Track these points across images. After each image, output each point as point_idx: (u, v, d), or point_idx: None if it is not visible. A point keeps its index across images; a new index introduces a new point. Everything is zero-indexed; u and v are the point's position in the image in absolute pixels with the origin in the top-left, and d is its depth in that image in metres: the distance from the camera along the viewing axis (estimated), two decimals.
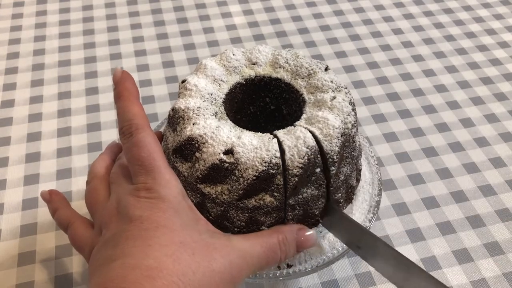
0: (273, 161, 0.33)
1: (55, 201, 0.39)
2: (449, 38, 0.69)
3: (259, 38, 0.68)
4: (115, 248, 0.30)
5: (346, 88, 0.38)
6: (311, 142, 0.33)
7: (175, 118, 0.36)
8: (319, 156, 0.34)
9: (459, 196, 0.50)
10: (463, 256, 0.45)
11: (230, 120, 0.37)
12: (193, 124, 0.35)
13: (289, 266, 0.38)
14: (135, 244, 0.29)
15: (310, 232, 0.36)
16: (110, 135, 0.55)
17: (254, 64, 0.41)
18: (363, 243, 0.35)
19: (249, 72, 0.40)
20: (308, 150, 0.33)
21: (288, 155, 0.33)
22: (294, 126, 0.35)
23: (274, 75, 0.40)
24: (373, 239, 0.34)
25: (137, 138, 0.33)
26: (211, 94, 0.37)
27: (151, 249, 0.29)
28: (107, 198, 0.35)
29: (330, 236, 0.39)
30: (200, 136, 0.34)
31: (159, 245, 0.29)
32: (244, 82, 0.40)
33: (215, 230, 0.34)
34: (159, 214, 0.31)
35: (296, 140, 0.33)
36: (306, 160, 0.33)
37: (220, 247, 0.31)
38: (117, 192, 0.34)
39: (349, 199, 0.39)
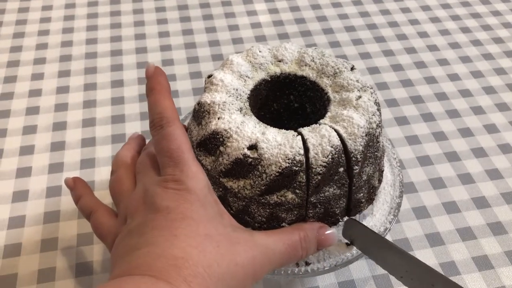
0: (297, 158, 0.33)
1: (79, 188, 0.39)
2: (476, 43, 0.68)
3: (283, 37, 0.68)
4: (140, 237, 0.30)
5: (371, 88, 0.38)
6: (336, 141, 0.33)
7: (201, 112, 0.37)
8: (343, 155, 0.34)
9: (480, 202, 0.49)
10: (483, 263, 0.44)
11: (254, 116, 0.37)
12: (218, 119, 0.35)
13: (307, 264, 0.38)
14: (161, 233, 0.30)
15: (330, 231, 0.36)
16: (134, 127, 0.55)
17: (280, 61, 0.41)
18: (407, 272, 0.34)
19: (275, 69, 0.40)
20: (332, 149, 0.33)
21: (312, 153, 0.33)
22: (319, 124, 0.35)
23: (300, 73, 0.40)
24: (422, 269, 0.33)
25: (167, 131, 0.34)
26: (237, 90, 0.38)
27: (177, 239, 0.29)
28: (133, 187, 0.35)
29: None
30: (225, 130, 0.34)
31: (185, 236, 0.29)
32: (269, 79, 0.40)
33: (238, 225, 0.34)
34: (185, 206, 0.31)
35: (321, 138, 0.34)
36: (330, 159, 0.33)
37: (243, 241, 0.32)
38: (143, 182, 0.34)
39: (370, 199, 0.39)
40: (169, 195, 0.32)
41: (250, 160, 0.33)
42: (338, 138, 0.34)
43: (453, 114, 0.58)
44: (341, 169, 0.34)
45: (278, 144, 0.33)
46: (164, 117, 0.34)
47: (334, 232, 0.36)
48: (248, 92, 0.38)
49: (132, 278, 0.27)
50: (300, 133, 0.34)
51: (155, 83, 0.36)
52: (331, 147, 0.33)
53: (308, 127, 0.35)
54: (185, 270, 0.28)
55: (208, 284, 0.28)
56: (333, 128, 0.35)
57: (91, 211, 0.37)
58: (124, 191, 0.36)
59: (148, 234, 0.30)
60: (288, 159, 0.33)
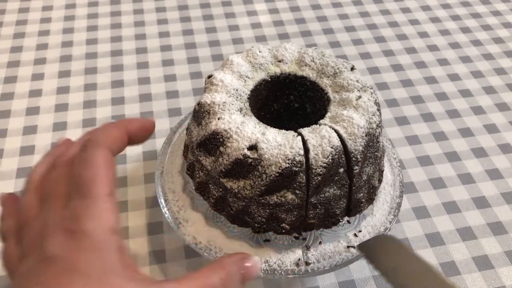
0: (297, 158, 0.33)
1: (6, 208, 0.34)
2: (476, 43, 0.68)
3: (284, 37, 0.68)
4: None
5: (371, 88, 0.38)
6: (336, 142, 0.33)
7: (201, 112, 0.37)
8: (343, 156, 0.34)
9: (481, 202, 0.49)
10: (483, 263, 0.44)
11: (254, 116, 0.37)
12: (218, 119, 0.35)
13: (307, 264, 0.38)
14: None
15: (252, 261, 0.32)
16: None
17: (280, 61, 0.41)
18: None
19: (275, 69, 0.41)
20: (332, 150, 0.33)
21: (312, 154, 0.33)
22: (319, 125, 0.35)
23: (300, 73, 0.40)
24: None
25: (87, 154, 0.29)
26: (237, 90, 0.38)
27: None
28: (39, 215, 0.31)
29: (349, 235, 0.39)
30: (225, 130, 0.34)
31: None
32: (269, 79, 0.40)
33: (146, 277, 0.28)
34: (77, 255, 0.26)
35: (321, 139, 0.34)
36: (330, 160, 0.33)
37: None
38: (44, 215, 0.29)
39: (370, 199, 0.39)
40: (61, 239, 0.27)
41: (250, 160, 0.33)
42: (338, 139, 0.34)
43: (453, 114, 0.58)
44: (341, 170, 0.34)
45: (278, 144, 0.34)
46: (93, 140, 0.30)
47: (258, 261, 0.33)
48: (248, 92, 0.38)
49: None
50: (300, 134, 0.34)
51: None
52: (331, 147, 0.33)
53: (308, 128, 0.35)
54: None
55: None
56: (333, 128, 0.35)
57: (6, 237, 0.32)
58: (29, 218, 0.31)
59: None
60: (288, 160, 0.33)
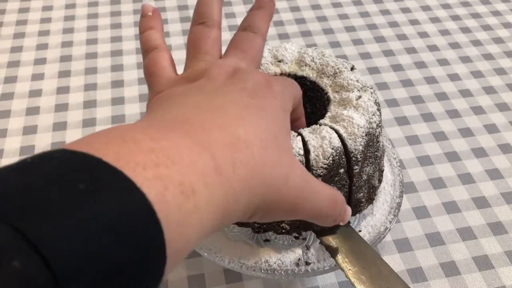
0: (297, 158, 0.33)
1: (155, 19, 0.34)
2: (476, 43, 0.68)
3: (284, 37, 0.68)
4: (213, 99, 0.26)
5: (371, 88, 0.38)
6: (337, 142, 0.33)
7: None
8: (343, 157, 0.34)
9: (481, 202, 0.49)
10: (483, 263, 0.44)
11: None
12: None
13: (307, 263, 0.38)
14: (241, 110, 0.25)
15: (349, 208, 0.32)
16: None
17: (280, 61, 0.41)
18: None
19: (275, 70, 0.41)
20: (333, 151, 0.33)
21: (313, 155, 0.33)
22: (319, 125, 0.35)
23: (300, 73, 0.40)
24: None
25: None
26: None
27: (255, 123, 0.25)
28: (174, 69, 0.32)
29: None
30: None
31: (265, 125, 0.25)
32: None
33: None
34: (274, 103, 0.27)
35: (322, 140, 0.33)
36: (331, 161, 0.33)
37: (295, 166, 0.27)
38: (230, 58, 0.31)
39: (370, 199, 0.39)
40: (263, 85, 0.28)
41: None
42: (339, 140, 0.34)
43: (453, 114, 0.58)
44: (342, 170, 0.34)
45: None
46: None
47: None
48: None
49: (176, 133, 0.22)
50: (300, 134, 0.34)
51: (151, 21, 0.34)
52: (332, 148, 0.33)
53: (309, 128, 0.35)
54: (239, 155, 0.23)
55: (251, 181, 0.23)
56: (333, 128, 0.35)
57: (155, 48, 0.32)
58: (172, 67, 0.31)
59: (225, 104, 0.25)
60: None
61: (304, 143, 0.34)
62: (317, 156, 0.33)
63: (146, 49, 0.32)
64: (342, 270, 0.34)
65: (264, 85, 0.28)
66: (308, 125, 0.36)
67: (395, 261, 0.44)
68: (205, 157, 0.21)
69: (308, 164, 0.33)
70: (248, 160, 0.23)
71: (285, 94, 0.29)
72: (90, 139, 0.19)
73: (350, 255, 0.34)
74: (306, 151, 0.33)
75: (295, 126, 0.34)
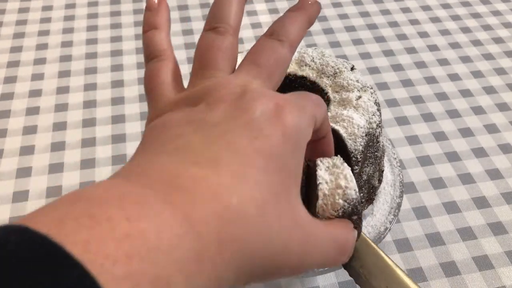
0: None
1: (161, 14, 0.30)
2: (476, 43, 0.68)
3: None
4: (204, 140, 0.22)
5: (371, 88, 0.38)
6: (353, 194, 0.32)
7: None
8: (357, 208, 0.33)
9: (481, 202, 0.49)
10: (483, 263, 0.44)
11: None
12: None
13: None
14: (231, 148, 0.21)
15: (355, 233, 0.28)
16: (134, 127, 0.55)
17: None
18: None
19: None
20: (345, 203, 0.32)
21: (320, 202, 0.32)
22: (341, 164, 0.35)
23: (300, 73, 0.40)
24: None
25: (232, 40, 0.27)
26: None
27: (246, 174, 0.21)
28: (180, 84, 0.27)
29: None
30: None
31: (254, 169, 0.21)
32: None
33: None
34: (277, 137, 0.22)
35: (336, 188, 0.33)
36: (340, 214, 0.32)
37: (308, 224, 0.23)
38: (240, 75, 0.25)
39: (370, 199, 0.39)
40: (272, 116, 0.22)
41: None
42: (356, 190, 0.32)
43: (453, 114, 0.58)
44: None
45: None
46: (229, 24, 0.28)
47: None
48: None
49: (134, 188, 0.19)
50: (313, 167, 0.34)
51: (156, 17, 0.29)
52: (345, 201, 0.31)
53: (328, 162, 0.34)
54: (230, 229, 0.19)
55: (242, 260, 0.20)
56: (333, 128, 0.35)
57: (158, 55, 0.28)
58: (174, 82, 0.27)
59: (221, 153, 0.21)
60: None
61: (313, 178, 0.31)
62: (325, 204, 0.27)
63: (148, 56, 0.28)
64: None
65: (274, 116, 0.22)
66: None
67: (395, 261, 0.44)
68: (189, 239, 0.18)
69: (310, 205, 0.28)
70: (239, 235, 0.19)
71: (301, 123, 0.23)
72: (62, 214, 0.17)
73: (372, 278, 0.30)
74: (313, 190, 0.28)
75: (319, 146, 0.28)
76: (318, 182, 0.27)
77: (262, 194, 0.21)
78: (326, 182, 0.27)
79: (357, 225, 0.27)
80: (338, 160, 0.28)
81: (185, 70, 0.63)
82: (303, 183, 0.27)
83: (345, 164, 0.28)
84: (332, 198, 0.27)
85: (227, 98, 0.23)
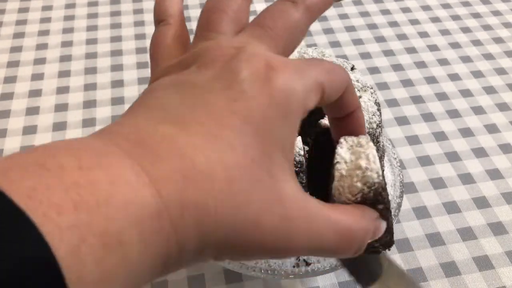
0: (296, 159, 0.33)
1: None
2: (476, 42, 0.68)
3: None
4: (183, 101, 0.20)
5: (371, 88, 0.38)
6: (375, 177, 0.32)
7: None
8: (380, 193, 0.33)
9: (481, 202, 0.49)
10: (483, 263, 0.44)
11: None
12: None
13: (307, 264, 0.38)
14: (210, 118, 0.20)
15: (383, 223, 0.25)
16: None
17: None
18: None
19: None
20: (365, 188, 0.32)
21: (336, 184, 0.32)
22: (367, 142, 0.35)
23: None
24: None
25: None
26: None
27: (211, 138, 0.19)
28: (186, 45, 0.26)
29: None
30: None
31: (225, 135, 0.19)
32: None
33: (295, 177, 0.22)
34: (264, 105, 0.20)
35: (355, 169, 0.33)
36: (358, 198, 0.33)
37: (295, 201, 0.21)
38: (241, 36, 0.24)
39: None
40: (260, 77, 0.21)
41: None
42: (380, 173, 0.33)
43: (453, 114, 0.58)
44: None
45: None
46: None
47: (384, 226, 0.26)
48: None
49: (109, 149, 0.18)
50: (299, 134, 0.34)
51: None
52: (364, 184, 0.31)
53: (351, 141, 0.33)
54: (192, 191, 0.18)
55: (204, 226, 0.18)
56: None
57: (164, 19, 0.26)
58: (177, 46, 0.25)
59: (195, 113, 0.20)
60: None
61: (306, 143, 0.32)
62: (341, 187, 0.24)
63: (155, 20, 0.27)
64: None
65: (262, 78, 0.20)
66: (309, 125, 0.36)
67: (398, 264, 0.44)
68: (147, 195, 0.17)
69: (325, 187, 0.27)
70: (203, 199, 0.18)
71: (296, 87, 0.21)
72: (11, 163, 0.16)
73: None
74: (331, 173, 0.26)
75: (345, 124, 0.26)
76: (335, 161, 0.25)
77: (234, 158, 0.19)
78: (346, 162, 0.24)
79: (384, 216, 0.24)
80: (364, 139, 0.25)
81: None
82: (328, 165, 0.25)
83: (371, 144, 0.25)
84: (349, 180, 0.24)
85: (219, 60, 0.22)
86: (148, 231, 0.17)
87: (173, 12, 0.26)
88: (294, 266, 0.38)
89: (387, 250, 0.28)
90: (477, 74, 0.64)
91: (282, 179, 0.20)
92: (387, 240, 0.27)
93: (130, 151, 0.18)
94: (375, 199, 0.24)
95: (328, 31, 0.69)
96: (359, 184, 0.24)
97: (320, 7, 0.25)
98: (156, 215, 0.17)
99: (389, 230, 0.26)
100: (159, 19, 0.26)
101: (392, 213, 0.40)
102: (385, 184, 0.24)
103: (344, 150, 0.25)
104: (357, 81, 0.38)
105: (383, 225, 0.25)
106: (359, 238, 0.23)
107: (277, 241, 0.20)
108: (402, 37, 0.69)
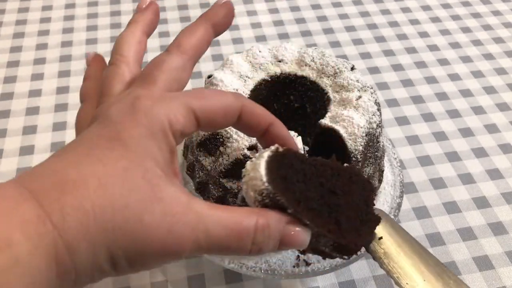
0: None
1: (92, 68, 0.32)
2: (476, 42, 0.68)
3: (284, 36, 0.68)
4: (76, 142, 0.25)
5: (371, 88, 0.38)
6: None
7: None
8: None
9: (481, 202, 0.49)
10: (483, 263, 0.44)
11: None
12: None
13: (307, 264, 0.38)
14: (82, 146, 0.24)
15: (302, 229, 0.26)
16: None
17: (280, 61, 0.41)
18: None
19: (275, 69, 0.40)
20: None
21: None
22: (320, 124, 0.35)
23: (300, 73, 0.40)
24: None
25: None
26: (237, 90, 0.38)
27: (86, 159, 0.23)
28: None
29: None
30: (225, 130, 0.34)
31: (97, 159, 0.23)
32: (269, 79, 0.40)
33: (182, 187, 0.25)
34: (133, 129, 0.24)
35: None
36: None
37: (170, 201, 0.23)
38: (128, 90, 0.27)
39: None
40: (127, 105, 0.25)
41: None
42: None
43: (453, 114, 0.58)
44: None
45: None
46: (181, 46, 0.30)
47: (306, 233, 0.26)
48: (248, 92, 0.38)
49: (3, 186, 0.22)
50: (299, 134, 0.34)
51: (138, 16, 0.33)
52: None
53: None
54: (69, 198, 0.21)
55: (88, 228, 0.21)
56: (333, 127, 0.35)
57: (84, 100, 0.31)
58: (113, 87, 0.29)
59: (75, 146, 0.24)
60: None
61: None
62: (245, 196, 0.27)
63: (80, 100, 0.31)
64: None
65: (128, 107, 0.25)
66: (308, 125, 0.36)
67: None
68: (29, 204, 0.20)
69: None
70: (79, 203, 0.21)
71: (157, 110, 0.25)
72: None
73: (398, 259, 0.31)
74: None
75: (268, 140, 0.29)
76: (242, 174, 0.26)
77: (103, 168, 0.22)
78: (247, 175, 0.26)
79: (301, 221, 0.25)
80: (269, 150, 0.26)
81: (210, 67, 0.62)
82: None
83: (266, 153, 0.26)
84: (248, 190, 0.26)
85: (104, 110, 0.26)
86: (33, 232, 0.20)
87: (92, 94, 0.30)
88: (294, 266, 0.37)
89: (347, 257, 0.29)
90: (477, 74, 0.63)
91: (160, 184, 0.23)
92: (338, 246, 0.27)
93: (20, 179, 0.22)
94: (276, 204, 0.25)
95: (328, 31, 0.69)
96: (252, 193, 0.25)
97: (197, 49, 0.30)
98: (36, 219, 0.20)
99: (332, 235, 0.26)
100: (80, 99, 0.31)
101: (393, 213, 0.40)
102: (283, 189, 0.25)
103: (248, 163, 0.26)
104: (357, 81, 0.38)
105: (300, 229, 0.26)
106: (250, 234, 0.24)
107: (163, 236, 0.22)
108: (402, 37, 0.69)
